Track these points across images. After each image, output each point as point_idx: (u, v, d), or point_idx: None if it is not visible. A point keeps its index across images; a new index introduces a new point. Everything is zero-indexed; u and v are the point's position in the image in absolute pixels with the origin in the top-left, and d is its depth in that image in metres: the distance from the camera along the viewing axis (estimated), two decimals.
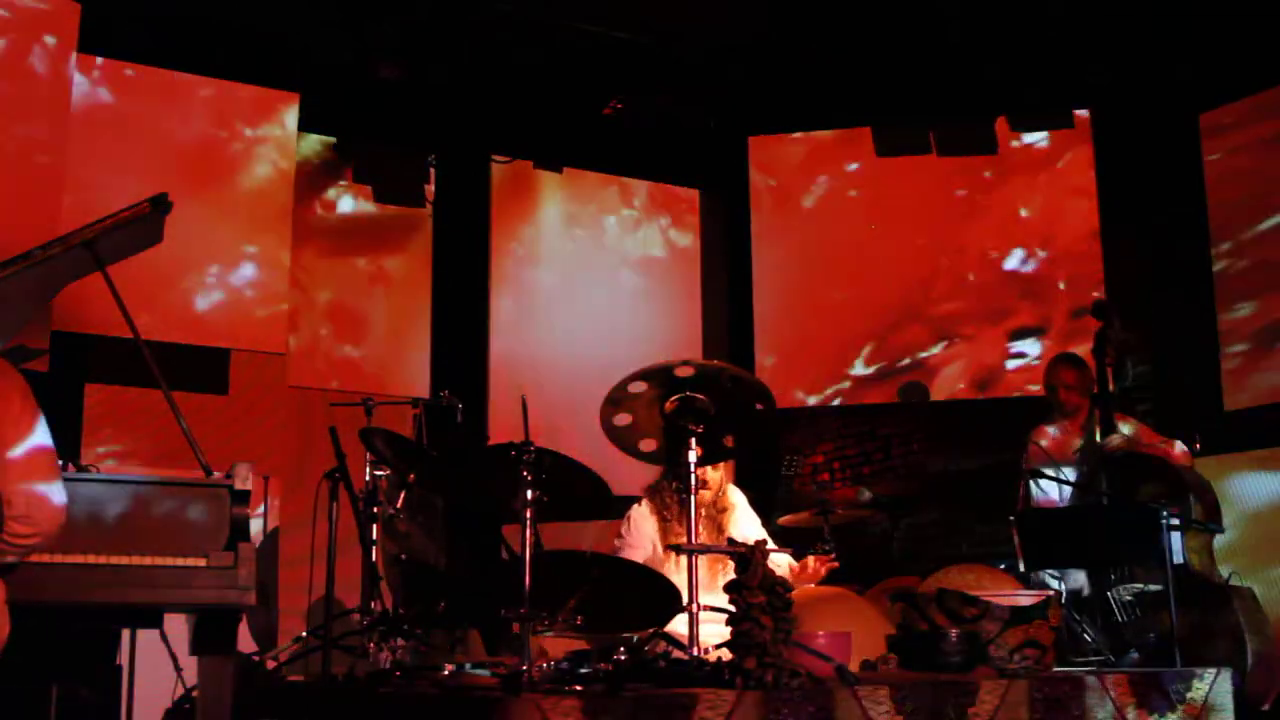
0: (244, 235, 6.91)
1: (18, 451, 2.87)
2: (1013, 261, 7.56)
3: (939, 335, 7.63)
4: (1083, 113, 7.41)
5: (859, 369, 7.77)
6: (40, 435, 2.95)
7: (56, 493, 2.97)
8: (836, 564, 4.69)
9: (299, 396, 6.95)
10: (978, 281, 7.60)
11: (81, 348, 6.13)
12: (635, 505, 4.86)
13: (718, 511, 4.77)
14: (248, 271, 6.89)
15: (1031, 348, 7.39)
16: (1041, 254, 7.48)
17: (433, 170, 7.70)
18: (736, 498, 4.90)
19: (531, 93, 7.52)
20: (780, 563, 4.72)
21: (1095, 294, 6.96)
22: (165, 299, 6.53)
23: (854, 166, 7.96)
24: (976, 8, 6.74)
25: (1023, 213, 7.56)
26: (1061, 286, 7.28)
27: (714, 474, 4.75)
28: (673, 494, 4.68)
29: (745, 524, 4.86)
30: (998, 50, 7.04)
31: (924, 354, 7.64)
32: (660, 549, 4.70)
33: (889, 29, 6.98)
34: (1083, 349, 5.69)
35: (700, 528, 4.59)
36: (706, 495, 4.73)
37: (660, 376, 3.82)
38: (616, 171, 8.24)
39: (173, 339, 6.43)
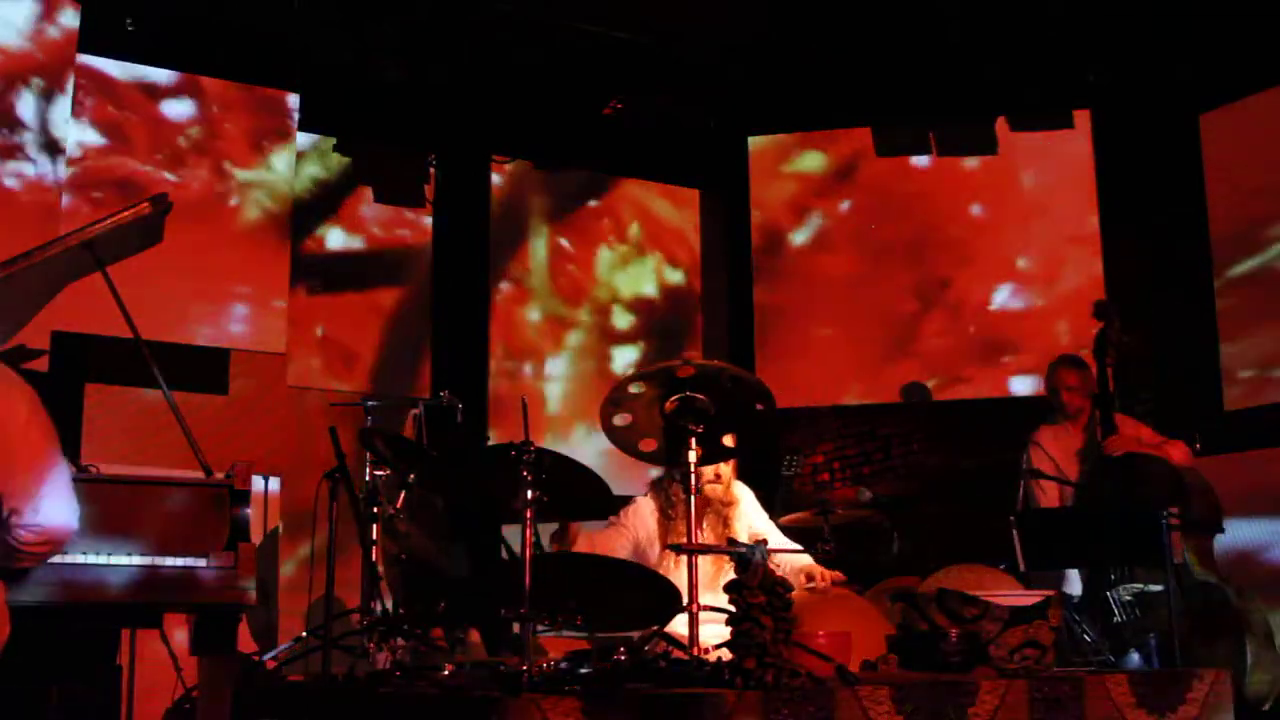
0: (239, 279, 6.87)
1: (27, 461, 2.87)
2: (1008, 301, 7.55)
3: (930, 373, 7.64)
4: (1083, 113, 7.41)
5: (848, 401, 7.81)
6: (49, 443, 2.95)
7: (67, 501, 2.98)
8: (844, 577, 4.70)
9: (299, 396, 6.95)
10: (971, 320, 7.59)
11: (81, 348, 6.12)
12: (640, 496, 4.88)
13: (724, 506, 4.78)
14: (242, 315, 6.85)
15: (1027, 386, 7.40)
16: (1040, 300, 7.47)
17: (433, 170, 7.70)
18: (742, 492, 4.91)
19: (531, 93, 7.52)
20: (795, 561, 4.74)
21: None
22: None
23: (845, 205, 7.95)
24: (976, 8, 6.74)
25: (1020, 263, 7.54)
26: (1064, 339, 7.13)
27: (725, 468, 4.76)
28: (675, 486, 4.69)
29: (754, 518, 4.87)
30: (998, 50, 7.04)
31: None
32: (657, 544, 4.71)
33: (889, 29, 6.98)
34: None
35: (705, 524, 4.61)
36: (718, 489, 4.75)
37: (660, 376, 3.82)
38: (617, 172, 8.23)
39: (173, 339, 6.43)
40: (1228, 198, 6.70)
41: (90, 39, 6.44)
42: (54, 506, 2.94)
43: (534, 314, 7.93)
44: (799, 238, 8.00)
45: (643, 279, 8.29)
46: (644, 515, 4.79)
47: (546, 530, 4.46)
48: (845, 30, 7.03)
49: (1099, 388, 5.42)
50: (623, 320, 8.18)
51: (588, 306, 8.10)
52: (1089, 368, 5.57)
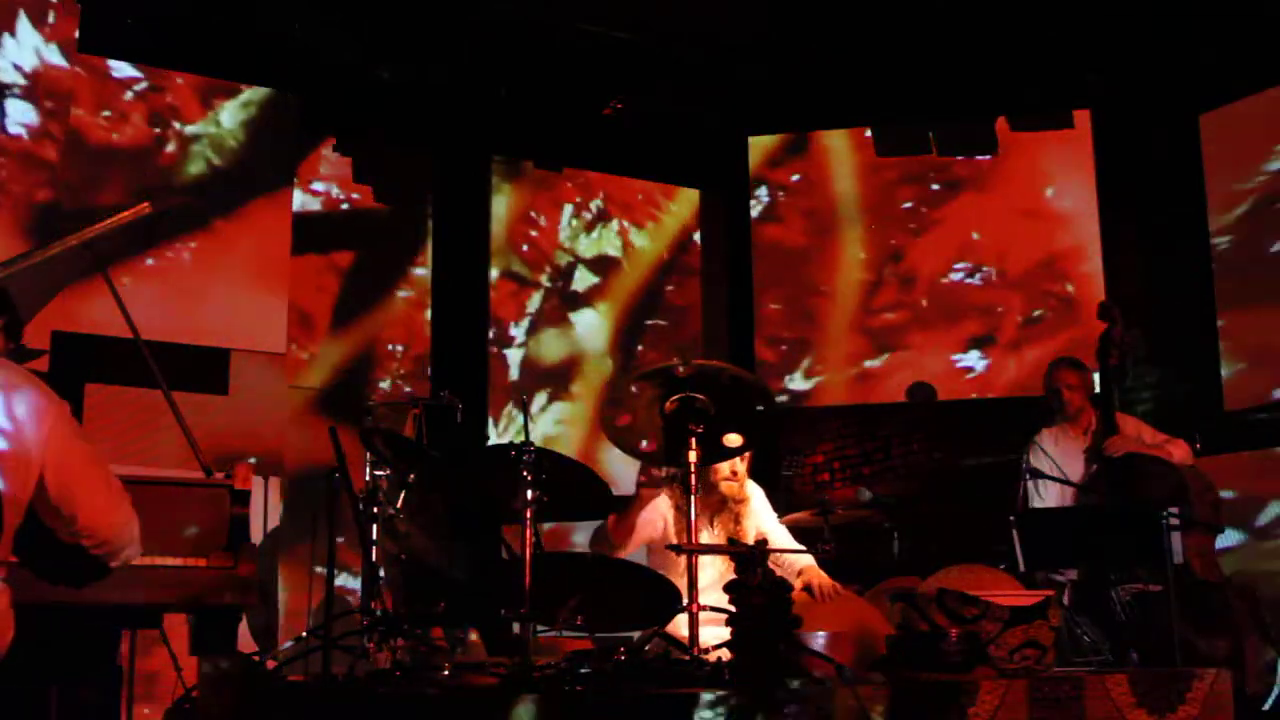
0: (240, 279, 6.85)
1: (64, 469, 2.87)
2: (960, 276, 7.59)
3: (881, 347, 7.68)
4: (1083, 113, 7.41)
5: (798, 383, 7.83)
6: (83, 446, 2.96)
7: (106, 496, 2.99)
8: (842, 590, 4.71)
9: (299, 396, 6.95)
10: (923, 294, 7.63)
11: (81, 348, 6.12)
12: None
13: (736, 504, 4.78)
14: (242, 315, 6.82)
15: (978, 361, 7.45)
16: (990, 271, 7.50)
17: (432, 170, 7.70)
18: (753, 490, 4.91)
19: (531, 93, 7.52)
20: (797, 562, 4.74)
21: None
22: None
23: (796, 178, 7.97)
24: (976, 8, 6.74)
25: (975, 235, 7.57)
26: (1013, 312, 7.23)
27: (740, 465, 4.74)
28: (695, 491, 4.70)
29: (763, 517, 4.87)
30: (998, 50, 7.04)
31: (869, 364, 7.70)
32: (672, 539, 4.71)
33: (889, 29, 6.98)
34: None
35: (717, 521, 4.62)
36: (734, 486, 4.75)
37: (660, 376, 3.83)
38: (617, 171, 8.23)
39: (173, 339, 6.43)
40: (1228, 198, 6.71)
41: (90, 38, 6.43)
42: (96, 505, 2.95)
43: (494, 277, 7.84)
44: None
45: (606, 242, 8.22)
46: (661, 510, 4.78)
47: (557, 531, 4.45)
48: (845, 30, 7.04)
49: (1101, 388, 5.42)
50: (584, 284, 8.11)
51: (548, 270, 8.02)
52: (1088, 368, 5.57)
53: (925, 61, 7.21)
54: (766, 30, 7.11)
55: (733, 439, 3.98)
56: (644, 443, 3.98)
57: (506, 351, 7.76)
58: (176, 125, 6.82)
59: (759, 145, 8.09)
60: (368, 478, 4.96)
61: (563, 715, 2.78)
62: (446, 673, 3.49)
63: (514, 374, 7.69)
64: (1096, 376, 5.51)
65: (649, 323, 8.22)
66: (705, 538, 4.48)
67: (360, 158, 7.50)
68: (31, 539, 2.86)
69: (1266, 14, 6.27)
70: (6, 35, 6.26)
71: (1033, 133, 7.51)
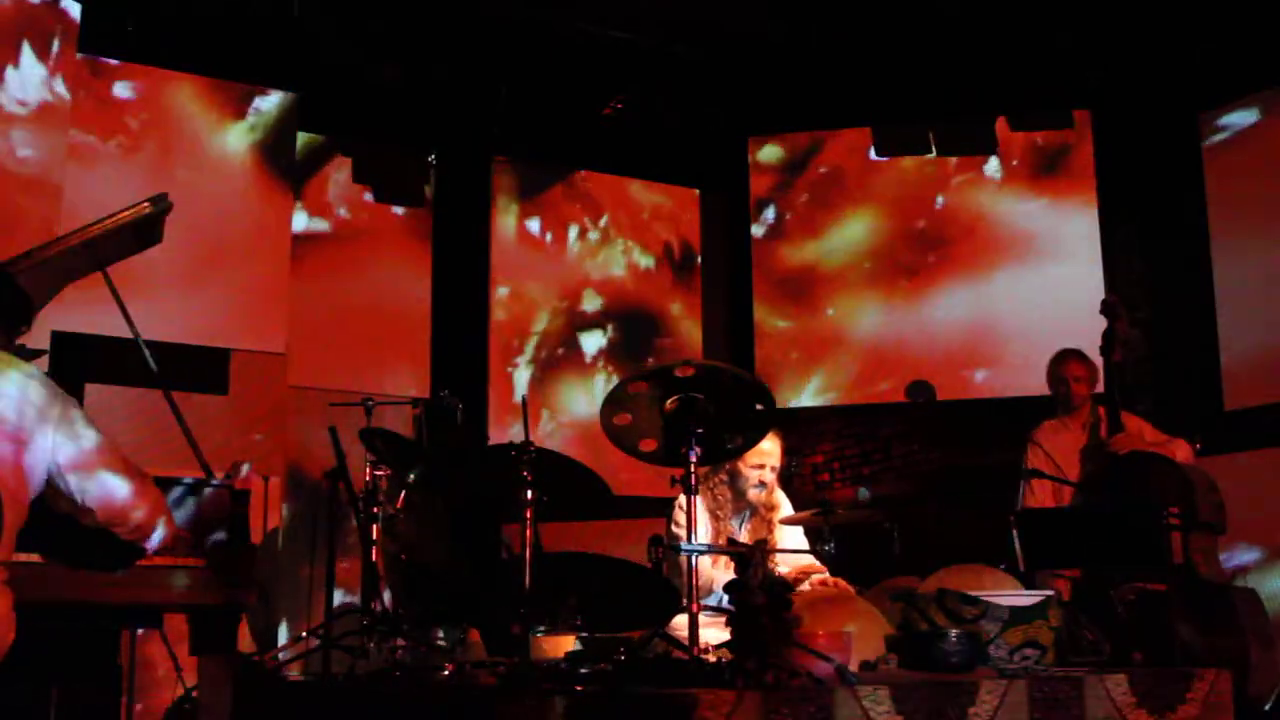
0: (240, 279, 6.85)
1: (92, 465, 2.87)
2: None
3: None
4: (1083, 112, 7.40)
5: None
6: (101, 438, 2.96)
7: (145, 482, 2.99)
8: (852, 589, 4.72)
9: (299, 396, 6.95)
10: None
11: (81, 348, 6.12)
12: (680, 496, 4.87)
13: (767, 511, 4.79)
14: (242, 315, 6.82)
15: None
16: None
17: (432, 170, 7.70)
18: (783, 499, 4.93)
19: (531, 93, 7.52)
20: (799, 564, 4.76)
21: None
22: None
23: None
24: (976, 8, 6.74)
25: None
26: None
27: (772, 446, 4.71)
28: (723, 488, 4.71)
29: (784, 527, 4.88)
30: (998, 50, 7.04)
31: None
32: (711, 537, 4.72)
33: (889, 29, 6.98)
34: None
35: (747, 528, 4.64)
36: (762, 495, 4.75)
37: (660, 376, 3.82)
38: (617, 171, 8.23)
39: (173, 339, 6.43)
40: (1228, 198, 6.71)
41: (90, 37, 6.43)
42: (119, 492, 2.95)
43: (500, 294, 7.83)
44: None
45: (612, 262, 8.18)
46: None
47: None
48: (845, 30, 7.03)
49: (1105, 385, 5.41)
50: (591, 304, 8.07)
51: (556, 289, 7.98)
52: (1092, 361, 5.55)
53: (925, 61, 7.21)
54: (766, 30, 7.11)
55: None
56: (644, 442, 3.98)
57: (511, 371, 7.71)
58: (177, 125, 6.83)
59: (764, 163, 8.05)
60: (368, 478, 4.97)
61: (563, 715, 2.78)
62: (447, 673, 3.49)
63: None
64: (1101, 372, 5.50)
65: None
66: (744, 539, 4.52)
67: (360, 158, 7.50)
68: (60, 531, 2.86)
69: (1266, 14, 6.27)
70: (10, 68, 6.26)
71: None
